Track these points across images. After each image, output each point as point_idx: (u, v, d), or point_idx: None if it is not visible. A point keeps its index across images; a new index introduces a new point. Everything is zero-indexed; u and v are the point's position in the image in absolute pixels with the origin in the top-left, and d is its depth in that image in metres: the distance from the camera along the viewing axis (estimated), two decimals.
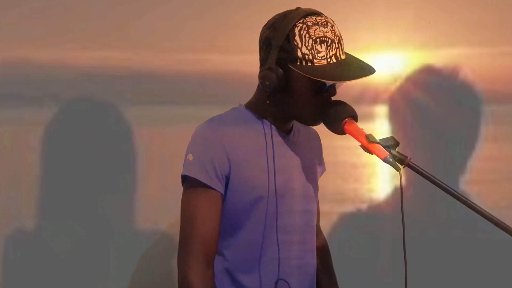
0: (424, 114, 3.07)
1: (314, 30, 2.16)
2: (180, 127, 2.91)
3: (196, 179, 2.17)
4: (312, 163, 2.37)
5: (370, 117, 3.03)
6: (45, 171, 2.81)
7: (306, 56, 2.15)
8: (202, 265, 2.15)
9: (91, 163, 2.83)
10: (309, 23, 2.17)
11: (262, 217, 2.23)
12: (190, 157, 2.18)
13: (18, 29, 2.80)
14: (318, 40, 2.15)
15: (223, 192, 2.18)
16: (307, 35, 2.16)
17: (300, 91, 2.19)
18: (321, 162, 2.43)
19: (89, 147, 2.83)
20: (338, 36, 2.19)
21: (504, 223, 2.03)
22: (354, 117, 2.22)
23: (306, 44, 2.15)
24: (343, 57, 2.20)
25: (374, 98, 3.05)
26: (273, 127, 2.26)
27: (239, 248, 2.24)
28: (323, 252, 2.47)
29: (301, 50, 2.15)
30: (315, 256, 2.36)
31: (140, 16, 2.91)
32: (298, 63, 2.16)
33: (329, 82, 2.18)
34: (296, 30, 2.17)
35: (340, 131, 2.21)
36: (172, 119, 2.93)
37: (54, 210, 2.82)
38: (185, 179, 2.20)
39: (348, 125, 2.19)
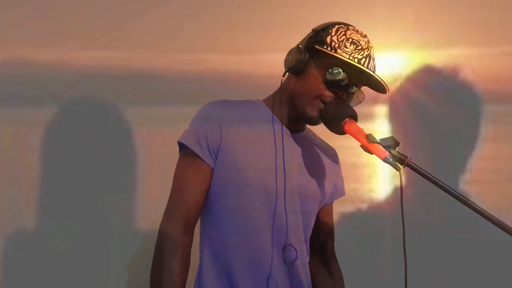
0: (424, 114, 3.07)
1: (351, 33, 2.23)
2: (180, 127, 2.90)
3: (189, 148, 2.25)
4: (318, 168, 2.37)
5: (370, 117, 3.03)
6: (45, 171, 2.81)
7: (333, 44, 2.21)
8: (180, 230, 2.23)
9: (91, 163, 2.82)
10: (350, 28, 2.26)
11: (254, 215, 2.24)
12: (188, 127, 2.29)
13: (18, 29, 2.80)
14: (350, 39, 2.22)
15: (213, 166, 2.24)
16: (342, 33, 2.24)
17: (312, 78, 2.22)
18: (337, 180, 2.44)
19: (89, 147, 2.82)
20: (370, 52, 2.24)
21: (504, 223, 2.03)
22: (354, 117, 2.22)
23: (338, 36, 2.22)
24: (365, 66, 2.23)
25: (374, 98, 3.05)
26: (280, 123, 2.28)
27: (233, 247, 2.25)
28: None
29: (331, 37, 2.22)
30: (306, 256, 2.36)
31: (140, 16, 2.90)
32: (324, 47, 2.21)
33: (336, 72, 2.20)
34: (337, 26, 2.26)
35: (340, 131, 2.21)
36: (172, 119, 2.93)
37: (54, 210, 2.81)
38: (181, 147, 2.29)
39: (348, 125, 2.20)
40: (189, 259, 2.25)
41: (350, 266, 2.73)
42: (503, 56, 3.17)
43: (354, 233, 3.06)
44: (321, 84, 2.23)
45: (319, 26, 2.28)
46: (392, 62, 3.07)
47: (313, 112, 2.25)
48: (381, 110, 3.08)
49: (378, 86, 2.25)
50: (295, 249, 2.29)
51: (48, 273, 2.80)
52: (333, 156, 2.45)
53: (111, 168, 2.85)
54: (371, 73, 2.22)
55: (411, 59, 3.11)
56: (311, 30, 2.29)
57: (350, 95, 2.26)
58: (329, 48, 2.21)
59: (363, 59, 2.22)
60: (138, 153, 2.87)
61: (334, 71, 2.21)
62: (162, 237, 2.23)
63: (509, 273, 3.07)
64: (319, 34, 2.24)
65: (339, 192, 2.46)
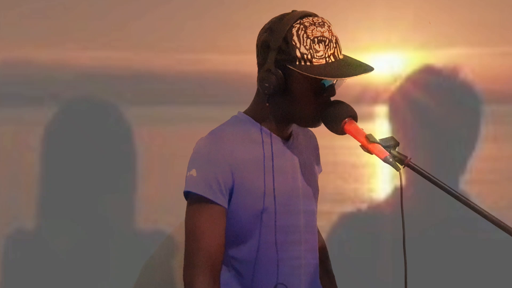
0: (424, 114, 3.07)
1: (312, 30, 2.16)
2: (180, 127, 2.91)
3: (200, 195, 2.15)
4: (311, 164, 2.37)
5: (370, 117, 3.03)
6: (45, 171, 2.81)
7: (305, 56, 2.15)
8: (208, 279, 2.14)
9: (91, 163, 2.83)
10: (306, 24, 2.17)
11: (263, 221, 2.23)
12: (193, 172, 2.16)
13: (18, 29, 2.81)
14: (316, 39, 2.16)
15: (227, 207, 2.18)
16: (304, 35, 2.16)
17: (299, 92, 2.19)
18: (318, 162, 2.43)
19: (89, 147, 2.83)
20: (335, 36, 2.19)
21: (504, 223, 2.03)
22: (354, 117, 2.22)
23: (304, 44, 2.15)
24: (341, 56, 2.20)
25: (374, 98, 3.05)
26: (273, 134, 2.26)
27: (239, 250, 2.24)
28: (321, 254, 2.47)
29: (299, 50, 2.15)
30: (317, 256, 2.36)
31: (140, 16, 2.91)
32: (297, 63, 2.16)
33: (329, 81, 2.18)
34: (294, 30, 2.16)
35: (340, 131, 2.21)
36: (172, 119, 2.93)
37: (54, 210, 2.82)
38: (188, 195, 2.18)
39: (348, 125, 2.20)
40: None
41: (350, 266, 2.74)
42: (503, 56, 3.17)
43: (354, 233, 3.07)
44: (311, 96, 2.20)
45: (274, 37, 2.16)
46: (392, 62, 3.07)
47: (313, 119, 2.24)
48: (381, 110, 3.08)
49: (361, 67, 2.21)
50: (302, 249, 2.29)
51: (48, 273, 2.80)
52: (314, 139, 2.44)
53: (111, 168, 2.85)
54: (349, 62, 2.19)
55: (411, 59, 3.11)
56: (269, 47, 2.16)
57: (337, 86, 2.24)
58: (302, 62, 2.16)
59: (335, 50, 2.19)
60: (138, 153, 2.87)
61: (323, 82, 2.19)
62: None
63: (509, 273, 3.07)
64: (284, 51, 2.15)
65: (319, 169, 2.45)
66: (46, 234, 2.81)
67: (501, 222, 2.03)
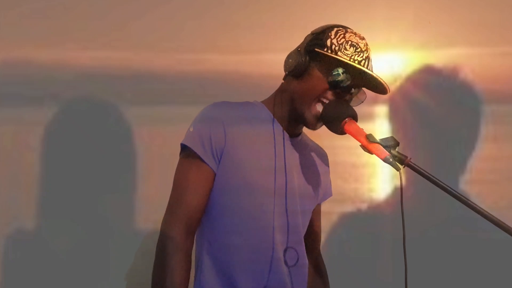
0: (424, 114, 3.07)
1: (350, 36, 2.25)
2: (180, 127, 2.90)
3: (192, 150, 2.23)
4: (313, 170, 2.38)
5: (370, 117, 3.03)
6: (45, 171, 2.81)
7: (333, 47, 2.22)
8: (182, 232, 2.21)
9: (91, 163, 2.82)
10: (348, 31, 2.28)
11: (256, 216, 2.24)
12: (191, 128, 2.26)
13: (18, 29, 2.80)
14: (349, 42, 2.23)
15: (215, 170, 2.23)
16: (341, 36, 2.25)
17: (314, 80, 2.23)
18: (326, 183, 2.45)
19: (89, 147, 2.82)
20: (369, 54, 2.25)
21: (504, 223, 2.03)
22: (354, 117, 2.22)
23: (338, 39, 2.23)
24: (367, 68, 2.24)
25: (374, 98, 3.05)
26: (280, 126, 2.28)
27: (234, 248, 2.25)
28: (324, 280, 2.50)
29: (331, 40, 2.23)
30: (305, 256, 2.37)
31: (140, 16, 2.91)
32: (325, 50, 2.22)
33: (345, 80, 2.20)
34: (335, 29, 2.27)
35: (340, 131, 2.21)
36: (172, 119, 2.93)
37: (54, 210, 2.81)
38: (183, 148, 2.27)
39: (348, 125, 2.20)
40: (191, 261, 2.24)
41: (350, 266, 2.74)
42: (503, 56, 3.17)
43: (354, 233, 3.07)
44: (323, 86, 2.23)
45: (318, 29, 2.29)
46: (392, 62, 3.07)
47: (311, 115, 2.25)
48: (381, 110, 3.08)
49: (378, 87, 2.26)
50: (295, 250, 2.30)
51: (48, 273, 2.80)
52: (325, 158, 2.47)
53: (111, 168, 2.85)
54: (373, 74, 2.22)
55: (411, 59, 3.11)
56: (310, 33, 2.29)
57: (351, 95, 2.27)
58: (329, 51, 2.22)
59: (363, 61, 2.23)
60: (138, 153, 2.87)
61: (336, 72, 2.21)
62: (164, 240, 2.21)
63: (509, 273, 3.07)
64: (319, 37, 2.25)
65: (329, 192, 2.48)
66: (46, 234, 2.81)
67: (501, 222, 2.03)
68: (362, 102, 2.30)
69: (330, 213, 2.90)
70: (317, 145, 2.45)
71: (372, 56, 2.28)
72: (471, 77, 3.08)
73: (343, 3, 2.96)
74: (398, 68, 3.08)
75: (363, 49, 2.24)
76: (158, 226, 2.64)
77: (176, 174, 2.28)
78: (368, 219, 3.09)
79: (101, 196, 2.84)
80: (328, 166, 2.48)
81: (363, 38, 2.27)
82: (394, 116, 3.09)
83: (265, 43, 2.90)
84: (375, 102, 3.06)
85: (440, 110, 3.07)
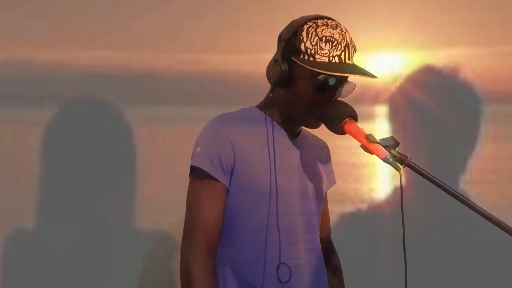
0: (424, 114, 3.07)
1: (322, 30, 2.20)
2: (180, 127, 2.91)
3: (202, 170, 2.21)
4: (317, 168, 2.38)
5: (370, 117, 3.03)
6: (45, 171, 2.81)
7: (309, 51, 2.18)
8: (204, 254, 2.19)
9: (91, 163, 2.82)
10: (319, 23, 2.22)
11: (263, 217, 2.24)
12: (198, 149, 2.24)
13: (18, 29, 2.80)
14: (324, 38, 2.19)
15: (227, 186, 2.22)
16: (314, 33, 2.20)
17: (301, 86, 2.22)
18: (329, 173, 2.44)
19: (89, 147, 2.82)
20: (347, 41, 2.21)
21: (504, 223, 2.03)
22: (354, 117, 2.22)
23: (311, 40, 2.19)
24: (349, 61, 2.21)
25: (374, 98, 3.05)
26: (280, 128, 2.28)
27: (241, 248, 2.25)
28: (336, 271, 2.50)
29: (305, 44, 2.19)
30: (317, 256, 2.36)
31: (140, 16, 2.90)
32: (301, 56, 2.19)
33: (331, 81, 2.19)
34: (305, 27, 2.22)
35: (340, 131, 2.21)
36: (172, 119, 2.93)
37: (54, 210, 2.81)
38: (192, 170, 2.25)
39: (348, 125, 2.20)
40: (217, 279, 2.22)
41: (350, 266, 2.73)
42: (503, 56, 3.17)
43: (354, 233, 3.07)
44: (311, 93, 2.22)
45: (287, 30, 2.24)
46: (392, 62, 3.07)
47: (311, 119, 2.25)
48: (381, 110, 3.08)
49: (366, 73, 2.23)
50: (311, 262, 2.31)
51: (48, 273, 2.80)
52: (326, 150, 2.47)
53: (111, 168, 2.85)
54: (355, 64, 2.21)
55: (411, 59, 3.11)
56: (281, 38, 2.25)
57: (340, 90, 2.25)
58: (306, 56, 2.19)
59: (342, 53, 2.20)
60: (138, 153, 2.87)
61: (320, 77, 2.20)
62: (188, 266, 2.17)
63: (509, 273, 3.07)
64: (291, 43, 2.21)
65: (332, 181, 2.47)
66: (46, 234, 2.81)
67: (501, 222, 2.03)
68: (354, 89, 2.28)
69: (330, 213, 2.90)
70: (316, 138, 2.44)
71: (353, 35, 2.22)
72: (471, 77, 3.08)
73: (343, 3, 2.96)
74: (398, 68, 3.08)
75: (339, 40, 2.20)
76: (158, 226, 2.65)
77: (188, 196, 2.24)
78: (368, 219, 3.09)
79: (101, 196, 2.84)
80: (330, 156, 2.47)
81: (336, 26, 2.22)
82: (394, 116, 3.09)
83: (265, 43, 2.89)
84: (375, 102, 3.07)
85: (440, 110, 3.07)
